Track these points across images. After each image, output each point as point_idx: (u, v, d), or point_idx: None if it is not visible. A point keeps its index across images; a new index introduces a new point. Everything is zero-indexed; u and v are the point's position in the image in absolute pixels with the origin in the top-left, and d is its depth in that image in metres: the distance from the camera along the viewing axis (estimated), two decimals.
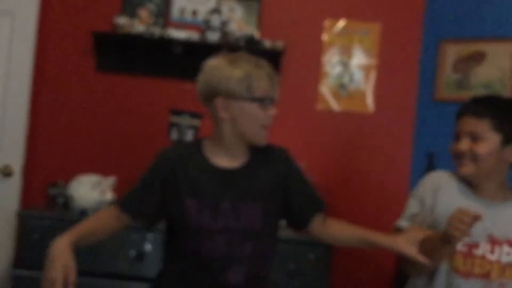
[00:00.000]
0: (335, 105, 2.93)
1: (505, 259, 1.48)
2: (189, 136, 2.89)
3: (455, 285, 1.49)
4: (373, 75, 2.93)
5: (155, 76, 2.89)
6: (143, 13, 2.79)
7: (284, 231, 2.57)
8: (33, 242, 2.37)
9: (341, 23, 2.94)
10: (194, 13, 2.90)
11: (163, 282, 1.50)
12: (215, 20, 2.72)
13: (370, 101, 2.93)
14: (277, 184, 1.48)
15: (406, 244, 1.40)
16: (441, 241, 1.35)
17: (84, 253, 2.36)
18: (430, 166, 2.62)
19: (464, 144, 1.49)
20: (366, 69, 2.93)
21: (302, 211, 1.53)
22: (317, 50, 2.94)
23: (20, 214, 2.53)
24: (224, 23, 2.74)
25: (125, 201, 1.50)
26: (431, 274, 1.53)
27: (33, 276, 2.36)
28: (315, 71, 2.94)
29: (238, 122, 1.40)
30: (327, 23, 2.95)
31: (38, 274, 2.37)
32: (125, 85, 2.90)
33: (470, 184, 1.54)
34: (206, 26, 2.73)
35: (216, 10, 2.75)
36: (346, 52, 2.94)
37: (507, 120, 1.48)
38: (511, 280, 1.48)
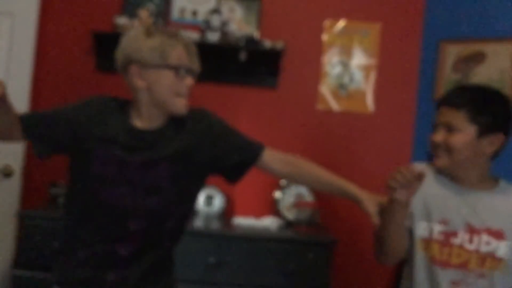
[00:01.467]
0: (335, 105, 2.94)
1: (484, 248, 1.44)
2: None
3: (432, 276, 1.46)
4: (373, 75, 2.93)
5: None
6: (143, 13, 2.79)
7: (284, 231, 2.59)
8: (33, 242, 2.37)
9: (341, 23, 2.94)
10: (194, 13, 2.90)
11: (67, 234, 1.50)
12: (215, 20, 2.72)
13: (370, 101, 2.93)
14: (194, 146, 1.48)
15: (370, 202, 1.44)
16: (388, 200, 1.39)
17: None
18: (431, 160, 2.62)
19: (439, 136, 1.47)
20: (366, 69, 2.93)
21: (239, 161, 1.53)
22: (317, 50, 2.94)
23: (20, 214, 2.53)
24: (224, 23, 2.74)
25: (28, 114, 1.49)
26: (410, 265, 1.52)
27: (33, 276, 2.36)
28: (315, 71, 2.94)
29: (153, 90, 1.42)
30: (327, 23, 2.95)
31: (38, 274, 2.39)
32: (125, 85, 2.89)
33: (448, 175, 1.52)
34: (206, 26, 2.73)
35: (216, 10, 2.75)
36: (346, 52, 2.94)
37: (483, 111, 1.43)
38: (490, 270, 1.44)
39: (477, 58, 2.72)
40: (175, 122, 1.49)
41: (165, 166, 1.44)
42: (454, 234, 1.45)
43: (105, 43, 2.84)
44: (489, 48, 2.69)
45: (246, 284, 2.39)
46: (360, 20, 2.94)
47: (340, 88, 2.93)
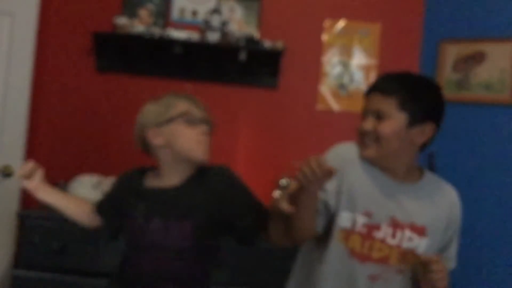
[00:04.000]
0: (335, 105, 2.93)
1: (405, 244, 1.39)
2: None
3: (349, 269, 1.39)
4: (373, 75, 2.93)
5: (155, 76, 2.89)
6: (143, 13, 2.79)
7: None
8: (33, 242, 2.37)
9: (341, 23, 2.94)
10: (194, 13, 2.90)
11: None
12: (215, 20, 2.72)
13: None
14: (213, 203, 1.47)
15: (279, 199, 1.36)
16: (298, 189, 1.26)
17: (84, 253, 2.37)
18: (430, 165, 2.62)
19: (369, 123, 1.38)
20: (366, 69, 2.93)
21: (251, 224, 1.50)
22: (317, 50, 2.94)
23: (20, 214, 2.53)
24: (224, 23, 2.74)
25: (99, 202, 1.65)
26: (319, 259, 1.43)
27: (33, 276, 2.36)
28: (315, 71, 2.94)
29: (172, 143, 1.48)
30: (327, 23, 2.95)
31: (38, 274, 2.39)
32: (125, 85, 2.90)
33: (375, 165, 1.43)
34: (206, 26, 2.73)
35: (216, 10, 2.75)
36: (346, 52, 2.94)
37: (414, 99, 1.36)
38: (409, 266, 1.40)
39: (477, 58, 2.72)
40: (195, 177, 1.51)
41: (187, 223, 1.44)
42: (377, 227, 1.38)
43: (105, 43, 2.84)
44: (489, 48, 2.69)
45: (246, 284, 2.39)
46: (360, 20, 2.94)
47: (340, 88, 2.93)
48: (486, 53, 2.69)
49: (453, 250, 1.51)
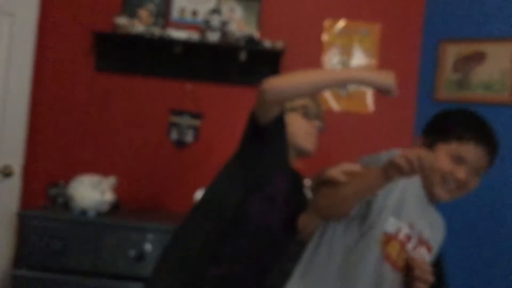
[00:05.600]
0: (335, 105, 2.93)
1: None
2: (189, 136, 2.89)
3: (380, 272, 1.39)
4: None
5: (155, 76, 2.89)
6: (143, 13, 2.79)
7: None
8: (33, 242, 2.37)
9: (341, 23, 2.94)
10: (194, 13, 2.90)
11: None
12: (215, 20, 2.72)
13: (370, 101, 2.93)
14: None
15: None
16: (381, 171, 1.24)
17: (84, 253, 2.37)
18: None
19: (464, 174, 1.38)
20: (366, 69, 2.93)
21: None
22: (317, 50, 2.94)
23: (20, 214, 2.53)
24: (224, 23, 2.74)
25: None
26: (356, 258, 1.42)
27: (33, 276, 2.36)
28: None
29: (289, 132, 1.60)
30: (327, 23, 2.95)
31: (38, 274, 2.39)
32: (125, 85, 2.90)
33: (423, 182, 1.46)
34: (206, 26, 2.73)
35: (216, 10, 2.75)
36: (346, 52, 2.94)
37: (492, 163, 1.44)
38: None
39: (477, 58, 2.72)
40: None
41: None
42: (410, 239, 1.42)
43: (105, 43, 2.84)
44: (489, 48, 2.69)
45: None
46: (360, 20, 2.94)
47: (340, 88, 2.93)
48: (486, 53, 2.69)
49: None
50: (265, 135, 1.48)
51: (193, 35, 2.71)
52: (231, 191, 1.52)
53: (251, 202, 1.51)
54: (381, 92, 1.39)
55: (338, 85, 1.41)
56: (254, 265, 1.53)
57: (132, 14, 2.82)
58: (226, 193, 1.53)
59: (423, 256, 1.43)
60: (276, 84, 1.37)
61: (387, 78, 1.37)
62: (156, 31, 2.71)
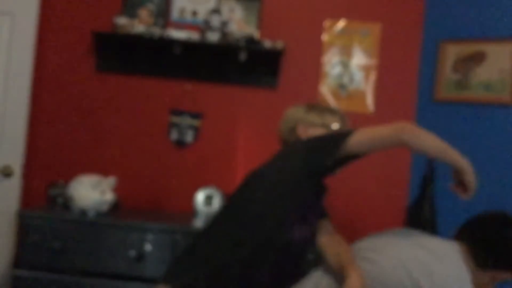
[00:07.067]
0: (335, 105, 2.93)
1: None
2: (189, 136, 2.89)
3: None
4: (373, 75, 2.93)
5: (155, 76, 2.89)
6: (143, 13, 2.79)
7: None
8: (33, 242, 2.37)
9: (341, 23, 2.94)
10: (194, 13, 2.90)
11: None
12: (215, 20, 2.72)
13: (370, 101, 2.93)
14: None
15: (357, 283, 1.39)
16: None
17: (84, 253, 2.37)
18: (430, 166, 2.62)
19: None
20: (366, 69, 2.93)
21: None
22: (317, 50, 2.94)
23: (20, 214, 2.53)
24: (224, 23, 2.74)
25: None
26: None
27: (33, 276, 2.36)
28: (315, 71, 2.94)
29: None
30: (327, 23, 2.95)
31: (38, 274, 2.39)
32: (125, 85, 2.90)
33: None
34: (206, 26, 2.73)
35: (216, 10, 2.75)
36: (346, 52, 2.94)
37: None
38: None
39: (477, 58, 2.72)
40: None
41: None
42: None
43: (105, 43, 2.84)
44: (489, 48, 2.69)
45: None
46: (360, 20, 2.94)
47: (340, 88, 2.93)
48: (486, 53, 2.69)
49: None
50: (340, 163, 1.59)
51: (193, 35, 2.71)
52: (283, 222, 1.47)
53: (295, 230, 1.50)
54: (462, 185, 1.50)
55: (447, 163, 1.49)
56: (279, 274, 1.51)
57: (132, 14, 2.82)
58: (278, 224, 1.46)
59: None
60: (417, 133, 1.43)
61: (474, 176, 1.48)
62: (156, 31, 2.71)
